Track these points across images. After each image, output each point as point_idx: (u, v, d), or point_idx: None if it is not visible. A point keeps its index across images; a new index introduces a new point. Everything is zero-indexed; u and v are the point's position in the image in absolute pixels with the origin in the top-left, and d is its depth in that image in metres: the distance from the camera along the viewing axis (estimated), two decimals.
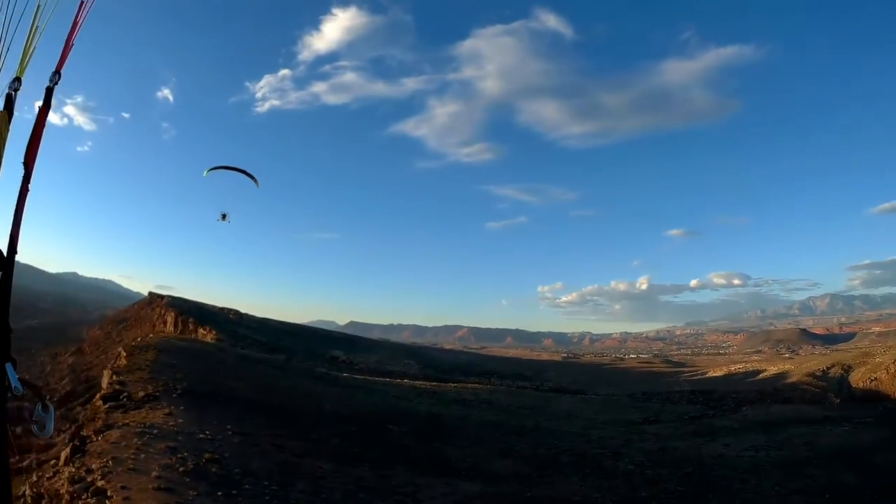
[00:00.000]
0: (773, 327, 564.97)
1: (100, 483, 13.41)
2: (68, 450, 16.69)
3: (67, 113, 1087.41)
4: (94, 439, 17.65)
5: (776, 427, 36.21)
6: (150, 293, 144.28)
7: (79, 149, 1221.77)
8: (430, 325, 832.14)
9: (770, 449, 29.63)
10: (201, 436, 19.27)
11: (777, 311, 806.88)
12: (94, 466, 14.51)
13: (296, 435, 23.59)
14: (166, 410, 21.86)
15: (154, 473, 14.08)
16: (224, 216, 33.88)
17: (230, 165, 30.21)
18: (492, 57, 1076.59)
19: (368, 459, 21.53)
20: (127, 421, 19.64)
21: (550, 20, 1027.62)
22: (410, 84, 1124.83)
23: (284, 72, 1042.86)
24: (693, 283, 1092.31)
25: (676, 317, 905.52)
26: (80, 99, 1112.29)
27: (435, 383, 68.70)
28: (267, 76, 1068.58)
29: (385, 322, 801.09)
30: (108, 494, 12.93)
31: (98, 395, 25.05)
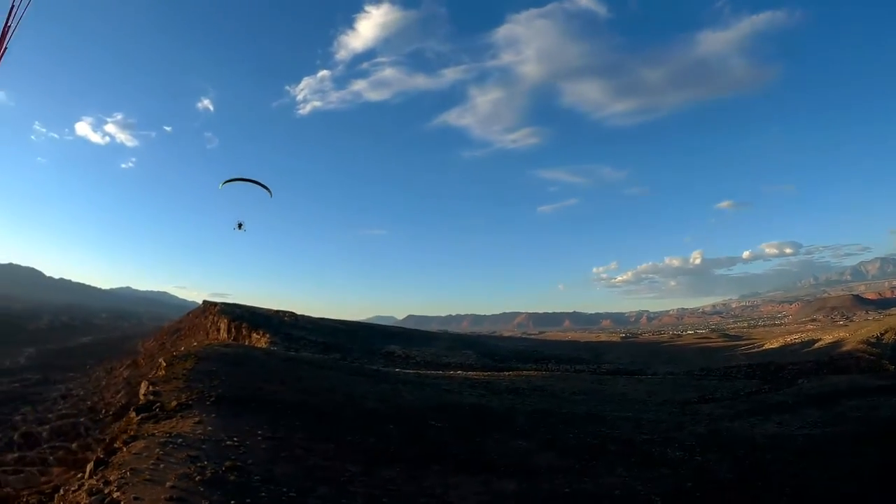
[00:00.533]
0: (826, 294, 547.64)
1: (115, 494, 13.17)
2: (92, 463, 16.61)
3: (108, 131, 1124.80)
4: (122, 450, 17.56)
5: (830, 401, 34.80)
6: (204, 301, 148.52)
7: (123, 166, 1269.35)
8: (487, 313, 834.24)
9: (824, 426, 28.29)
10: (228, 443, 18.95)
11: (829, 277, 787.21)
12: (112, 478, 14.33)
13: (329, 437, 22.97)
14: (196, 419, 21.71)
15: (169, 483, 13.75)
16: (240, 225, 34.06)
17: (245, 177, 30.34)
18: (529, 41, 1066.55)
19: (403, 459, 20.75)
20: (154, 431, 19.54)
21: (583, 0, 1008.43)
22: (450, 74, 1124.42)
23: (323, 72, 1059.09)
24: (745, 254, 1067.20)
25: (731, 289, 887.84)
26: (119, 116, 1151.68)
27: (489, 373, 68.01)
28: (306, 78, 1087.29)
29: (443, 313, 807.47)
30: None
31: (133, 407, 25.19)
